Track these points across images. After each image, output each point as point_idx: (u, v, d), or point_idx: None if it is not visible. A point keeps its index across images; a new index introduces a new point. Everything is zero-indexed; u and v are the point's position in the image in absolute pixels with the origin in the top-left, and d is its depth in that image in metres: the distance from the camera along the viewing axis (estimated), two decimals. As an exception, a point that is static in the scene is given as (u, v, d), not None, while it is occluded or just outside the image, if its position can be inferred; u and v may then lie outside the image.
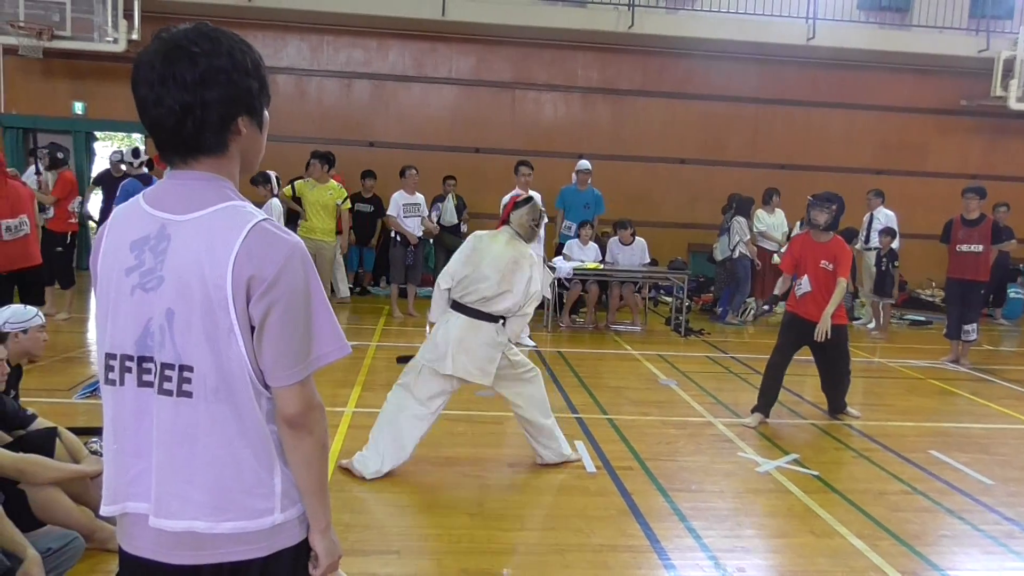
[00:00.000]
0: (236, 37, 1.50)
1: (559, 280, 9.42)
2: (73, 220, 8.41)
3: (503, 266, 4.30)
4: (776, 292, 6.30)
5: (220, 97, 1.44)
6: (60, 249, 8.20)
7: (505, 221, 4.57)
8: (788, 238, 10.85)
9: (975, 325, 8.37)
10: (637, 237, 9.91)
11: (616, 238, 9.92)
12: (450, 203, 11.00)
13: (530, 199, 4.61)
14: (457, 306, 4.37)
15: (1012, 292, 12.24)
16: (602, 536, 3.75)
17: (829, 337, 5.61)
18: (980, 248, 8.24)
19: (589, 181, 9.84)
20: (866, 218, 10.86)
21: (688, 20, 12.18)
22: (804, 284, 5.77)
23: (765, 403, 5.82)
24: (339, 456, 4.52)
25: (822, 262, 5.71)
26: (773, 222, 10.97)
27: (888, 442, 5.46)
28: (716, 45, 12.36)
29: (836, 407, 6.10)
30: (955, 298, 8.44)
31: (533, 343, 8.20)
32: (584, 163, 9.94)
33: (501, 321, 4.37)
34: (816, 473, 4.75)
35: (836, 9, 12.50)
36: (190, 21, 1.51)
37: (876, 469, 4.92)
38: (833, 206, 5.76)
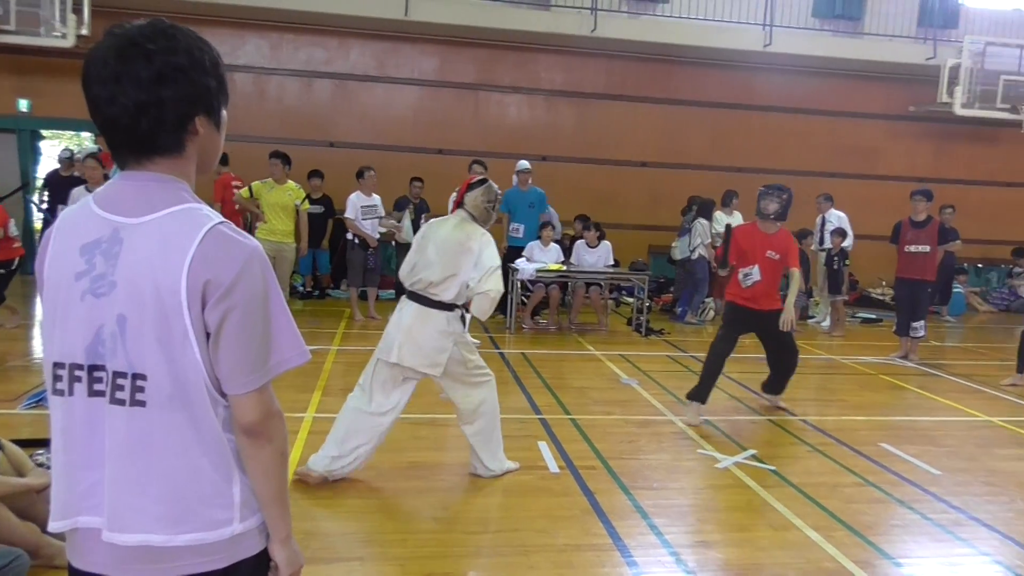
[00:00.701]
0: (193, 34, 1.45)
1: (522, 282, 9.50)
2: (16, 245, 7.71)
3: (449, 249, 4.18)
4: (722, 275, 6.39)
5: (177, 96, 1.40)
6: (2, 271, 7.66)
7: (460, 204, 4.42)
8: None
9: (923, 322, 8.66)
10: (603, 240, 10.00)
11: (583, 240, 10.01)
12: (407, 220, 10.66)
13: (485, 180, 4.47)
14: (409, 294, 4.29)
15: (956, 289, 12.66)
16: (566, 536, 3.80)
17: (791, 328, 5.77)
18: (927, 249, 8.52)
19: (530, 181, 9.88)
20: (818, 220, 11.14)
21: (650, 25, 12.34)
22: (754, 274, 5.83)
23: (705, 391, 5.84)
24: (299, 463, 4.49)
25: (769, 252, 5.83)
26: (731, 224, 11.17)
27: (842, 436, 5.63)
28: (677, 50, 12.55)
29: (778, 388, 6.26)
30: (904, 297, 8.73)
31: (476, 341, 8.24)
32: (524, 163, 9.97)
33: (458, 311, 4.24)
34: (773, 468, 4.88)
35: (792, 17, 12.78)
36: (143, 17, 1.47)
37: (830, 463, 5.07)
38: (784, 195, 5.89)
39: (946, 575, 3.64)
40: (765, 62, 12.91)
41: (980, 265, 14.01)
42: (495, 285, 4.13)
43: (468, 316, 4.29)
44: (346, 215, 9.38)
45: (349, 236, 9.47)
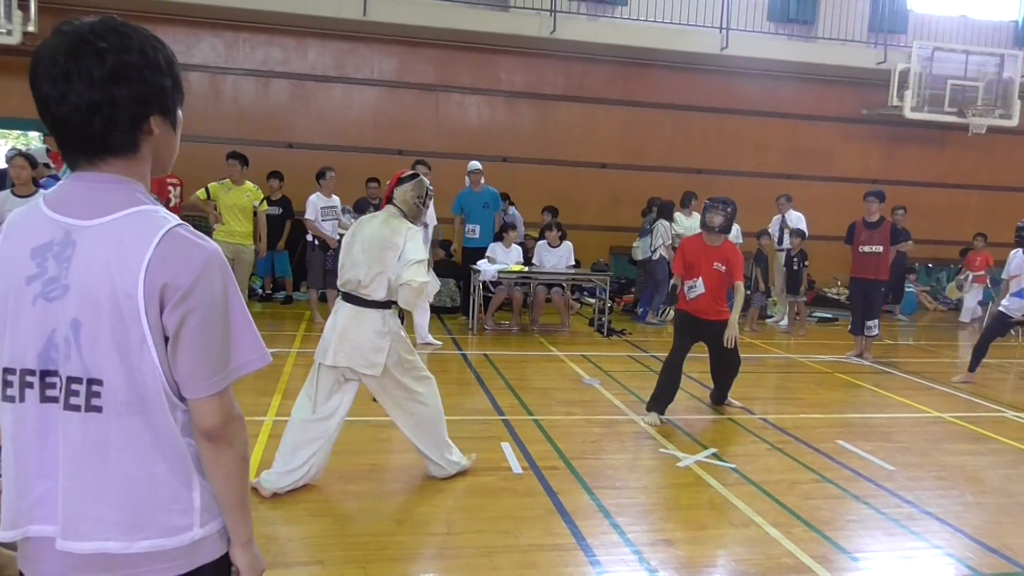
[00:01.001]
0: (146, 32, 1.42)
1: (484, 283, 9.49)
2: None
3: (373, 247, 4.09)
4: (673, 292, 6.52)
5: (131, 95, 1.37)
6: None
7: (389, 199, 4.33)
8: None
9: (877, 321, 8.85)
10: (565, 240, 10.04)
11: (544, 241, 10.02)
12: None
13: (416, 175, 4.37)
14: (342, 295, 4.22)
15: (908, 288, 12.98)
16: (529, 536, 3.81)
17: (733, 345, 5.87)
18: (880, 249, 8.73)
19: (483, 180, 9.86)
20: (777, 219, 11.33)
21: (608, 27, 12.43)
22: (698, 286, 5.94)
23: (663, 403, 5.94)
24: (259, 467, 4.44)
25: (715, 264, 5.94)
26: (691, 224, 11.28)
27: (799, 434, 5.73)
28: (636, 52, 12.66)
29: (720, 398, 6.39)
30: (858, 296, 8.92)
31: (438, 342, 8.28)
32: (475, 164, 9.90)
33: (395, 309, 4.16)
34: (733, 466, 4.94)
35: (747, 21, 12.98)
36: (93, 14, 1.44)
37: (789, 460, 5.15)
38: (728, 208, 5.99)
39: (900, 568, 3.71)
40: (722, 65, 13.09)
41: (931, 265, 14.37)
42: (415, 275, 4.00)
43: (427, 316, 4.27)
44: (306, 216, 9.30)
45: (309, 238, 9.40)
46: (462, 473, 4.56)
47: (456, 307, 10.71)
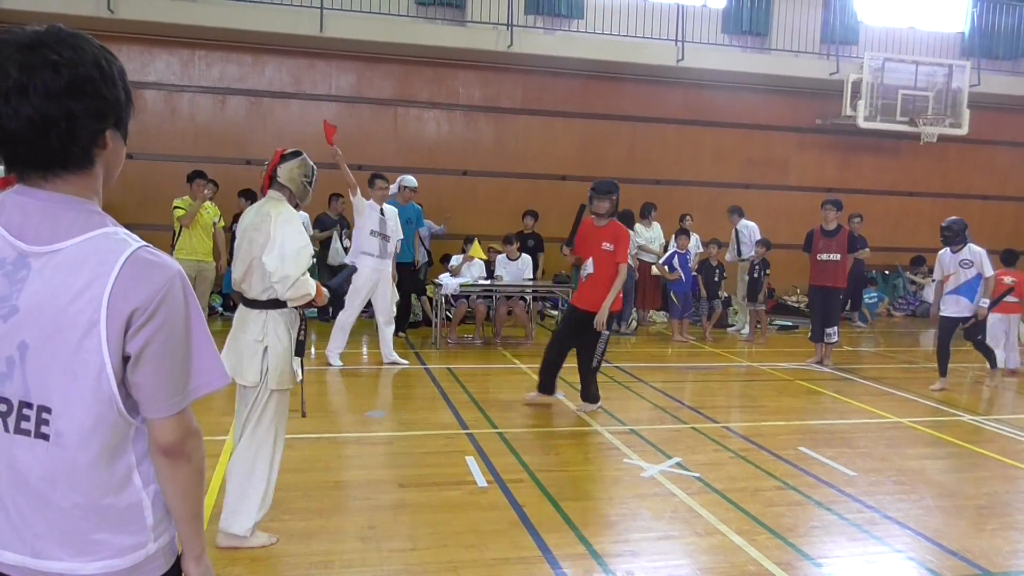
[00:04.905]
0: (96, 43, 1.37)
1: (446, 297, 9.44)
2: None
3: (245, 237, 3.63)
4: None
5: (89, 109, 1.32)
6: None
7: (269, 181, 3.79)
8: (664, 249, 11.31)
9: (836, 328, 8.98)
10: (523, 253, 10.05)
11: (503, 255, 10.02)
12: (337, 244, 10.51)
13: (299, 152, 3.86)
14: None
15: (867, 297, 13.21)
16: (495, 550, 3.77)
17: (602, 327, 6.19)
18: (838, 257, 8.87)
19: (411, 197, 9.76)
20: (732, 233, 11.46)
21: (565, 40, 12.53)
22: (588, 266, 6.35)
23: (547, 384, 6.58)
24: (218, 490, 4.33)
25: (604, 244, 6.29)
26: (651, 235, 11.40)
27: (762, 441, 5.77)
28: (592, 65, 12.77)
29: (585, 394, 6.52)
30: (817, 304, 9.04)
31: (404, 361, 8.18)
32: (410, 179, 9.74)
33: (282, 312, 3.62)
34: (697, 475, 4.95)
35: (702, 33, 13.17)
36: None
37: (752, 467, 5.18)
38: (613, 196, 6.49)
39: (863, 573, 3.74)
40: (678, 77, 13.26)
41: (887, 272, 14.65)
42: (291, 270, 3.44)
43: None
44: None
45: None
46: (427, 487, 4.50)
47: (417, 321, 10.66)
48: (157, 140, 11.13)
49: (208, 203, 8.58)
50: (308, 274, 3.55)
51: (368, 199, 8.07)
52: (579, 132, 13.28)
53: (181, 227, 8.34)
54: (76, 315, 1.31)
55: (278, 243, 3.49)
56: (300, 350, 3.70)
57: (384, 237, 8.09)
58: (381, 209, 8.14)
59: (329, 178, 11.68)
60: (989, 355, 8.11)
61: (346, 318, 7.90)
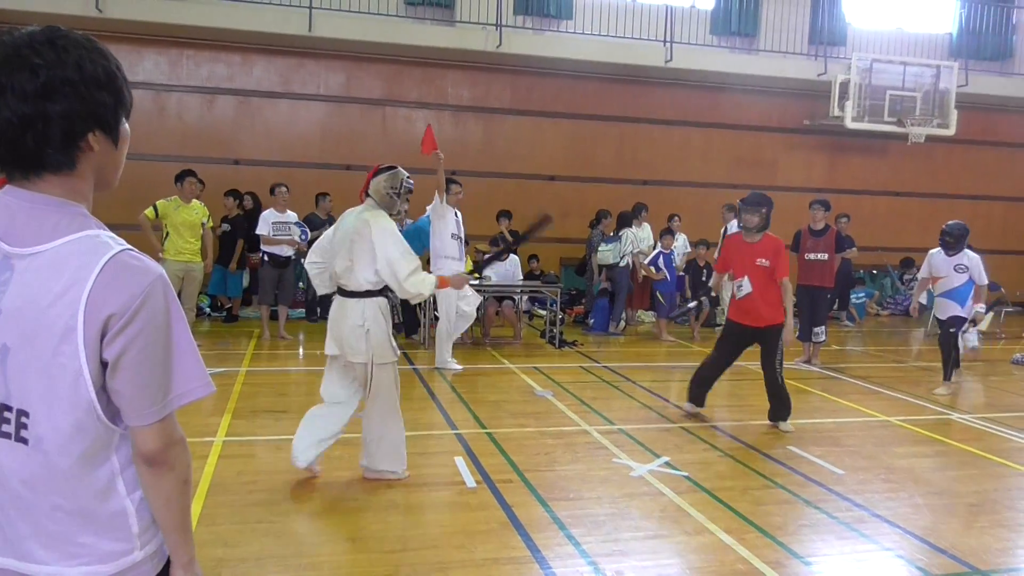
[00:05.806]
0: (89, 44, 1.36)
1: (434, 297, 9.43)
2: None
3: (345, 239, 4.29)
4: (710, 286, 6.49)
5: (65, 111, 1.31)
6: None
7: (365, 191, 4.51)
8: (653, 249, 11.33)
9: (823, 327, 9.01)
10: (512, 254, 10.04)
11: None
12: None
13: (393, 167, 4.54)
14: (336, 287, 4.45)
15: (854, 297, 13.27)
16: (484, 551, 3.76)
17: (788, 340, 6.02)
18: (826, 256, 8.91)
19: None
20: (722, 231, 11.48)
21: (554, 41, 12.53)
22: (745, 286, 5.98)
23: (698, 395, 6.38)
24: (209, 487, 4.32)
25: (758, 260, 5.97)
26: (641, 235, 11.41)
27: (750, 440, 5.78)
28: (581, 65, 12.78)
29: (781, 409, 6.16)
30: (805, 303, 9.07)
31: (459, 366, 8.11)
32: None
33: (378, 299, 4.30)
34: (686, 474, 4.96)
35: (691, 34, 13.21)
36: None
37: (740, 466, 5.19)
38: (763, 209, 6.04)
39: (852, 571, 3.75)
40: (667, 78, 13.29)
41: (875, 272, 14.73)
42: (401, 271, 4.16)
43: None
44: (258, 231, 9.36)
45: (261, 254, 9.39)
46: (417, 488, 4.50)
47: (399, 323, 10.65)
48: (145, 140, 11.06)
49: (196, 203, 8.53)
50: (418, 272, 4.21)
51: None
52: (568, 132, 13.29)
53: (167, 228, 8.28)
54: (54, 319, 1.29)
55: (380, 254, 4.17)
56: (397, 329, 4.54)
57: (462, 240, 8.30)
58: (456, 212, 8.34)
59: (318, 178, 11.68)
60: (950, 364, 7.78)
61: (447, 327, 8.07)
